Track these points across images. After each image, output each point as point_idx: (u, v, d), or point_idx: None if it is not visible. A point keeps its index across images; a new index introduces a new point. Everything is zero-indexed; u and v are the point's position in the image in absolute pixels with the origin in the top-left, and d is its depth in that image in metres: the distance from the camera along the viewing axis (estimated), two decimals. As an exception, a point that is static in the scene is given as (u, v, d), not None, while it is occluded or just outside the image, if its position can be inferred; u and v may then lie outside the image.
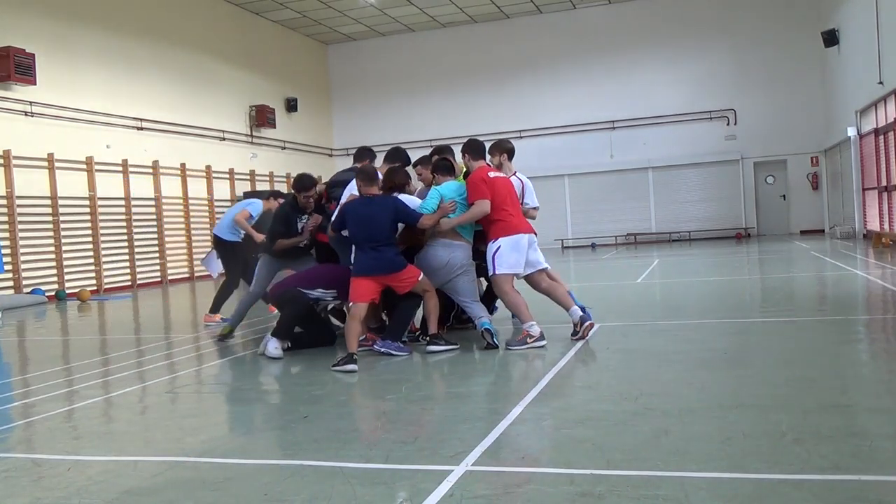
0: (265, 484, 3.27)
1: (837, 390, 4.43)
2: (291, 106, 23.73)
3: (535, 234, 6.56)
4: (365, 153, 7.26)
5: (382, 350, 6.22)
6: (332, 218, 6.66)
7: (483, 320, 6.33)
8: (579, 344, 6.15)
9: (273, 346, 6.37)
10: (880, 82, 16.15)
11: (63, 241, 15.07)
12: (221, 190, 20.22)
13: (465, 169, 6.93)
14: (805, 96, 22.42)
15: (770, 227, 23.40)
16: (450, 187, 6.62)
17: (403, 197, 6.59)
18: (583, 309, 6.52)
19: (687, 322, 7.26)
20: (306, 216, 7.22)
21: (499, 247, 6.27)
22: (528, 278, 6.56)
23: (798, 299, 8.90)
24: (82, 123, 15.75)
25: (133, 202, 16.99)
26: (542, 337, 6.17)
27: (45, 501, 3.19)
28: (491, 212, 6.32)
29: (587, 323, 6.34)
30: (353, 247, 6.35)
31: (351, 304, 6.23)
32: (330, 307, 7.51)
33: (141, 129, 17.50)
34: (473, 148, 6.69)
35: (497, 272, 6.29)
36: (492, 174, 6.48)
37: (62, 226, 15.09)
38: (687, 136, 23.47)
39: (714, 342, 6.18)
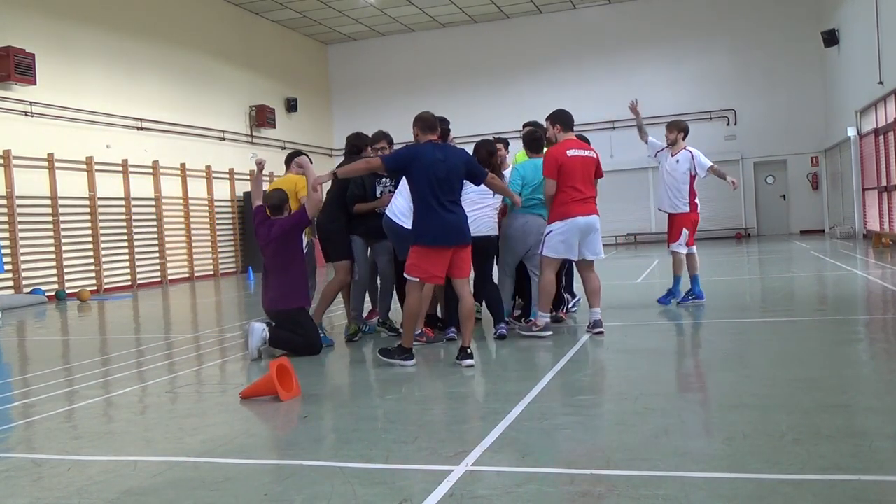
0: (265, 484, 3.27)
1: (837, 390, 4.43)
2: (291, 106, 23.72)
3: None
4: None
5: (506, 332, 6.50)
6: (392, 153, 5.83)
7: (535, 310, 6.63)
8: (579, 344, 6.15)
9: (257, 336, 6.24)
10: (880, 82, 16.15)
11: (63, 241, 15.07)
12: (221, 190, 20.23)
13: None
14: (805, 96, 22.41)
15: (770, 227, 23.40)
16: (527, 166, 6.77)
17: None
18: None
19: (687, 322, 7.26)
20: (385, 178, 6.94)
21: (551, 230, 6.32)
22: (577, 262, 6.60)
23: (798, 299, 8.90)
24: (82, 123, 15.75)
25: (133, 202, 16.99)
26: (546, 328, 6.34)
27: (45, 501, 3.18)
28: (556, 192, 6.28)
29: (597, 329, 6.49)
30: (417, 207, 5.53)
31: (419, 282, 5.49)
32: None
33: (141, 129, 17.50)
34: (563, 119, 6.49)
35: (544, 253, 6.35)
36: (571, 152, 6.34)
37: (62, 226, 15.08)
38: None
39: (714, 342, 6.18)
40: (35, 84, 14.35)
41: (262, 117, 21.77)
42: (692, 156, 7.92)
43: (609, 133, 24.02)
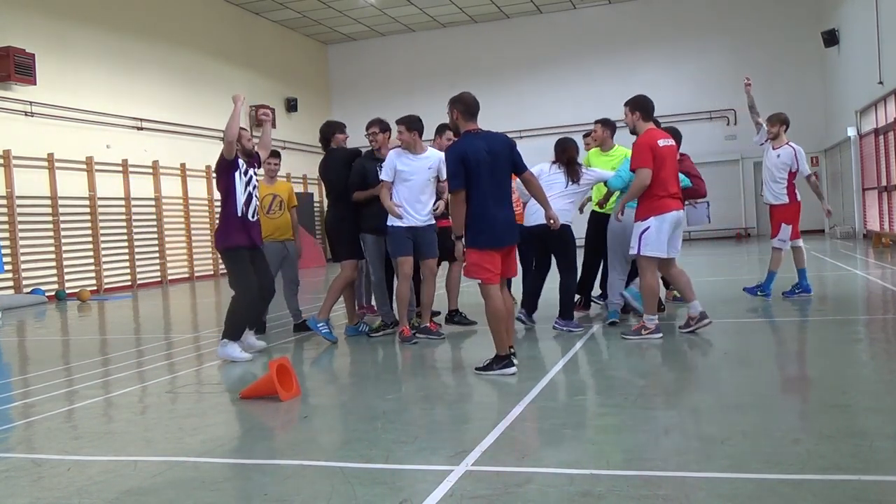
0: (265, 484, 3.27)
1: (837, 390, 4.43)
2: (291, 106, 23.73)
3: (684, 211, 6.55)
4: (417, 123, 6.86)
5: (564, 329, 6.63)
6: (448, 171, 5.12)
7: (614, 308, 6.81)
8: (580, 343, 6.14)
9: (237, 351, 6.26)
10: (880, 82, 16.15)
11: (63, 241, 15.07)
12: (221, 190, 20.21)
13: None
14: (805, 96, 22.40)
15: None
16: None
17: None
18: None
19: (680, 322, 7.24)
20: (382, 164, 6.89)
21: (647, 227, 5.95)
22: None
23: (798, 299, 8.90)
24: (82, 123, 15.75)
25: (133, 202, 16.99)
26: (657, 330, 6.07)
27: (45, 501, 3.18)
28: (649, 186, 5.91)
29: (705, 321, 6.27)
30: (470, 206, 5.03)
31: (485, 284, 5.07)
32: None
33: (141, 129, 17.50)
34: (645, 106, 6.05)
35: (642, 253, 5.97)
36: (662, 142, 6.01)
37: (62, 226, 15.08)
38: (687, 136, 23.26)
39: (714, 342, 6.17)
40: (35, 84, 14.34)
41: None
42: (795, 154, 7.95)
43: (609, 133, 24.02)
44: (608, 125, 7.65)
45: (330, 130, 7.35)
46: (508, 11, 23.88)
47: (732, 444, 3.40)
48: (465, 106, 5.13)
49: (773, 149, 8.10)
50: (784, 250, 8.17)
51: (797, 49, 22.28)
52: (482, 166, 4.99)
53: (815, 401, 4.15)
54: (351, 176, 7.00)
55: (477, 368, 5.20)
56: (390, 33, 25.33)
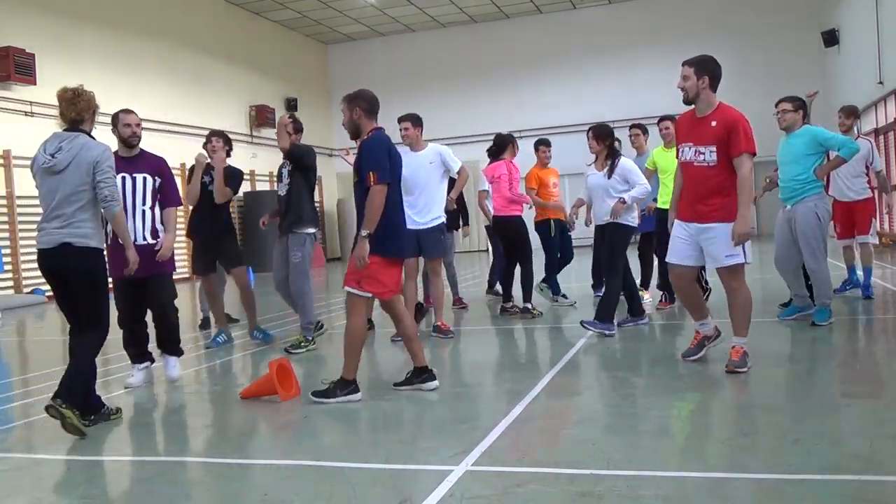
0: (265, 484, 3.27)
1: (837, 390, 4.43)
2: (291, 106, 23.72)
3: None
4: (421, 119, 7.14)
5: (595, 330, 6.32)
6: (375, 162, 4.60)
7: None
8: (579, 344, 6.14)
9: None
10: (880, 82, 16.15)
11: (63, 241, 15.05)
12: (221, 190, 20.20)
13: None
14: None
15: (770, 227, 23.37)
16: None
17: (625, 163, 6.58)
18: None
19: (688, 322, 7.24)
20: (286, 161, 6.86)
21: (753, 228, 5.43)
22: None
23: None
24: (82, 123, 15.74)
25: (133, 202, 16.98)
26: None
27: (45, 501, 3.18)
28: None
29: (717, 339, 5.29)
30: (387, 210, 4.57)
31: (359, 298, 4.58)
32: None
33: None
34: (716, 73, 4.92)
35: (749, 260, 4.80)
36: None
37: (62, 226, 15.06)
38: (687, 136, 23.43)
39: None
40: (35, 84, 14.34)
41: (262, 117, 21.76)
42: (871, 146, 8.01)
43: (609, 133, 24.01)
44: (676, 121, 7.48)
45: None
46: (508, 11, 23.88)
47: (732, 444, 3.41)
48: (367, 103, 4.82)
49: None
50: (871, 244, 8.20)
51: (797, 49, 22.28)
52: (395, 168, 4.67)
53: (815, 401, 4.15)
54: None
55: (313, 393, 4.60)
56: (390, 33, 25.33)
